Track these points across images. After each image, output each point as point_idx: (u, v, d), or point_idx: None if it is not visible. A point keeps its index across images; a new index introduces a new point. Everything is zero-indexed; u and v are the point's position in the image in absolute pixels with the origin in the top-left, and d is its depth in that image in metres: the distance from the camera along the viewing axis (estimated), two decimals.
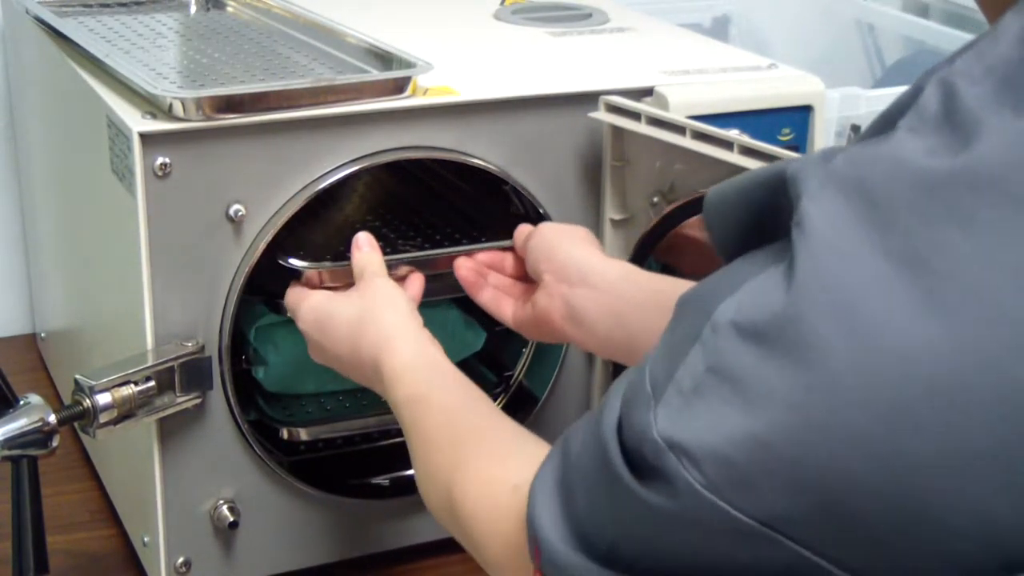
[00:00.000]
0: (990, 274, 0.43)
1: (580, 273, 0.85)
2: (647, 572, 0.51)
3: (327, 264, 0.94)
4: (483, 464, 0.69)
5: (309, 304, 0.89)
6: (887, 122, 0.48)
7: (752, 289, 0.47)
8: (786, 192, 0.48)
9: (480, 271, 0.95)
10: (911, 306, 0.43)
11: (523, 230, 0.93)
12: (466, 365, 1.10)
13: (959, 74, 0.47)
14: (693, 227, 0.93)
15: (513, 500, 0.63)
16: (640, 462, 0.49)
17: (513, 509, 0.63)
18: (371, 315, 0.84)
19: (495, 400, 1.06)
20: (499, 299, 0.93)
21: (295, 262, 0.93)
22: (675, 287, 0.82)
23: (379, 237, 0.94)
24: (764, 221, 0.51)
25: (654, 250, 0.96)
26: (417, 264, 0.96)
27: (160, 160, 0.85)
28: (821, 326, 0.44)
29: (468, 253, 0.96)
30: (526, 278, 0.93)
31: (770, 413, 0.45)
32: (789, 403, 0.45)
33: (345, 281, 0.92)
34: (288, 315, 0.95)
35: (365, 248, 0.91)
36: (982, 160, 0.44)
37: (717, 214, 0.55)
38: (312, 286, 0.93)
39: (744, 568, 0.47)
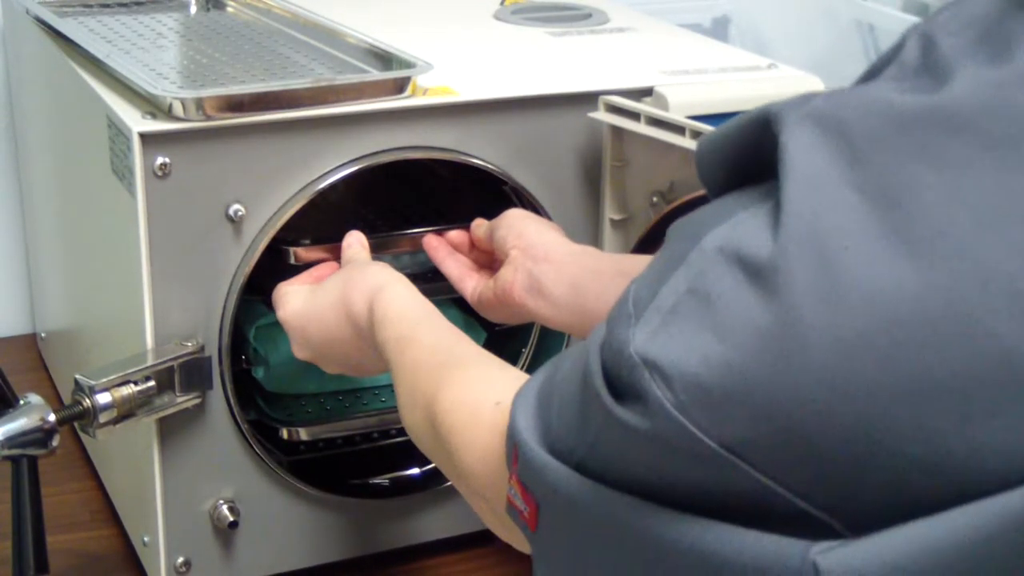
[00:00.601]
0: (956, 213, 0.44)
1: (545, 250, 0.88)
2: (615, 484, 0.52)
3: (307, 242, 0.96)
4: (468, 383, 0.70)
5: (290, 296, 0.90)
6: (871, 75, 0.50)
7: (741, 220, 0.49)
8: (769, 131, 0.49)
9: (445, 246, 0.98)
10: (879, 242, 0.44)
11: (480, 221, 0.96)
12: None
13: (939, 27, 0.48)
14: None
15: (495, 414, 0.64)
16: (617, 380, 0.50)
17: (494, 423, 0.64)
18: (357, 276, 0.86)
19: None
20: (463, 273, 0.96)
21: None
22: (635, 261, 0.85)
23: (375, 233, 0.95)
24: (750, 163, 0.52)
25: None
26: (390, 242, 0.99)
27: (160, 160, 0.85)
28: (795, 258, 0.45)
29: (439, 232, 0.99)
30: (484, 266, 0.97)
31: (741, 339, 0.46)
32: (759, 331, 0.45)
33: (331, 256, 0.95)
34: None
35: (355, 246, 0.94)
36: (954, 100, 0.45)
37: (707, 160, 0.56)
38: (300, 261, 0.96)
39: (708, 494, 0.48)
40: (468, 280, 0.95)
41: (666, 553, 0.49)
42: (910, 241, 0.44)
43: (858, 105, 0.47)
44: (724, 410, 0.46)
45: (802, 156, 0.47)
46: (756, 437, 0.46)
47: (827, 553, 0.44)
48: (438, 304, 1.08)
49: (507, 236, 0.90)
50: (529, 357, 1.06)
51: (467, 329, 1.08)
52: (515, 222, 0.91)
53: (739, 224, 0.48)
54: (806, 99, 0.49)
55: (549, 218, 0.99)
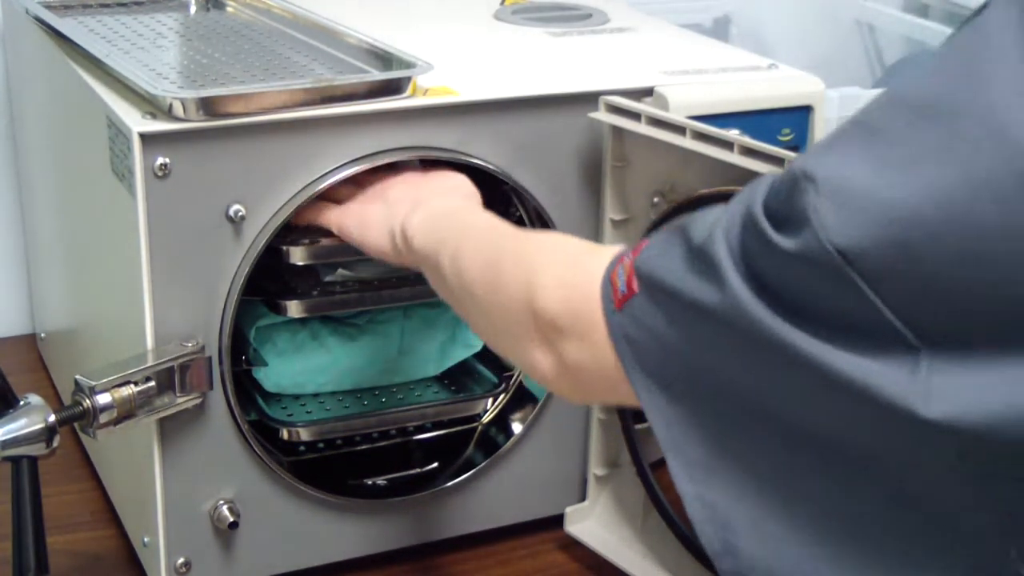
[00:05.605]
0: None
1: None
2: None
3: (305, 242, 0.96)
4: (564, 265, 0.72)
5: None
6: None
7: (919, 68, 0.55)
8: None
9: None
10: None
11: None
12: (466, 365, 1.11)
13: None
14: None
15: (590, 254, 0.71)
16: (776, 210, 0.56)
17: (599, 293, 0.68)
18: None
19: (495, 400, 1.07)
20: None
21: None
22: None
23: None
24: None
25: None
26: None
27: (160, 160, 0.85)
28: (956, 97, 0.52)
29: None
30: None
31: (884, 152, 0.53)
32: (903, 155, 0.52)
33: (329, 255, 0.96)
34: (286, 315, 0.95)
35: None
36: None
37: None
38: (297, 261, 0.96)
39: (837, 319, 0.54)
40: None
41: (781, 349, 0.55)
42: None
43: None
44: (850, 211, 0.52)
45: (994, 26, 0.52)
46: (870, 245, 0.52)
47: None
48: (434, 305, 1.08)
49: None
50: None
51: (467, 329, 1.08)
52: None
53: (917, 71, 0.55)
54: None
55: (551, 219, 0.99)
